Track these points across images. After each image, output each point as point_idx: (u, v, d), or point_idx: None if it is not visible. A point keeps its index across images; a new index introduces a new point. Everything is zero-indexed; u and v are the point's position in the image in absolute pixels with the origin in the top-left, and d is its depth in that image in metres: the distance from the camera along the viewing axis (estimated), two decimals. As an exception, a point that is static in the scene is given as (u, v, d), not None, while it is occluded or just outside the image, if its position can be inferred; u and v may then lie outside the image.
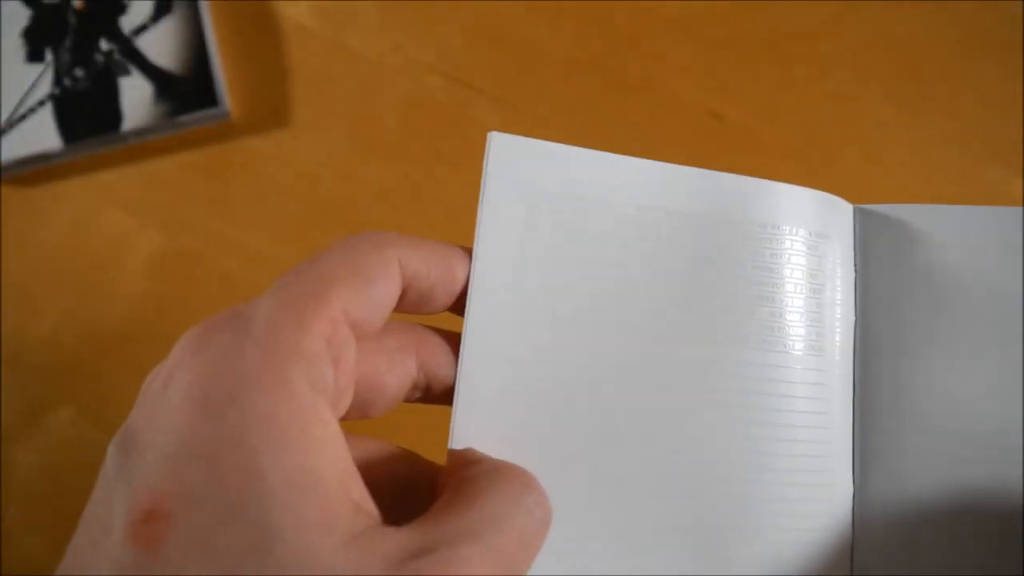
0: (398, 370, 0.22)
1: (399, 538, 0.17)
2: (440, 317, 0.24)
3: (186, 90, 0.50)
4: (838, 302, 0.26)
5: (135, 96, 0.50)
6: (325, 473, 0.17)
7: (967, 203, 0.51)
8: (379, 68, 0.51)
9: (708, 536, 0.23)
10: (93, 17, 0.51)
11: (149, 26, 0.51)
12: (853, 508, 0.25)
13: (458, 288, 0.23)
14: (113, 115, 0.49)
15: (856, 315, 0.27)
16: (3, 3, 0.51)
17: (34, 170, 0.50)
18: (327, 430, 0.18)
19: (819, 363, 0.25)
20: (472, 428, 0.22)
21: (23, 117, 0.49)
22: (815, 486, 0.25)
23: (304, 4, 0.53)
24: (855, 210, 0.27)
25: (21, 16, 0.51)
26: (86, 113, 0.49)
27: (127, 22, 0.51)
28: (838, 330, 0.26)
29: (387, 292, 0.20)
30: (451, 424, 0.22)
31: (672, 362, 0.24)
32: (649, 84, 0.51)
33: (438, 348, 0.23)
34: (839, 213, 0.27)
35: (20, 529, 0.44)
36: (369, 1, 0.53)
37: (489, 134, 0.24)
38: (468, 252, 0.23)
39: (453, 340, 0.23)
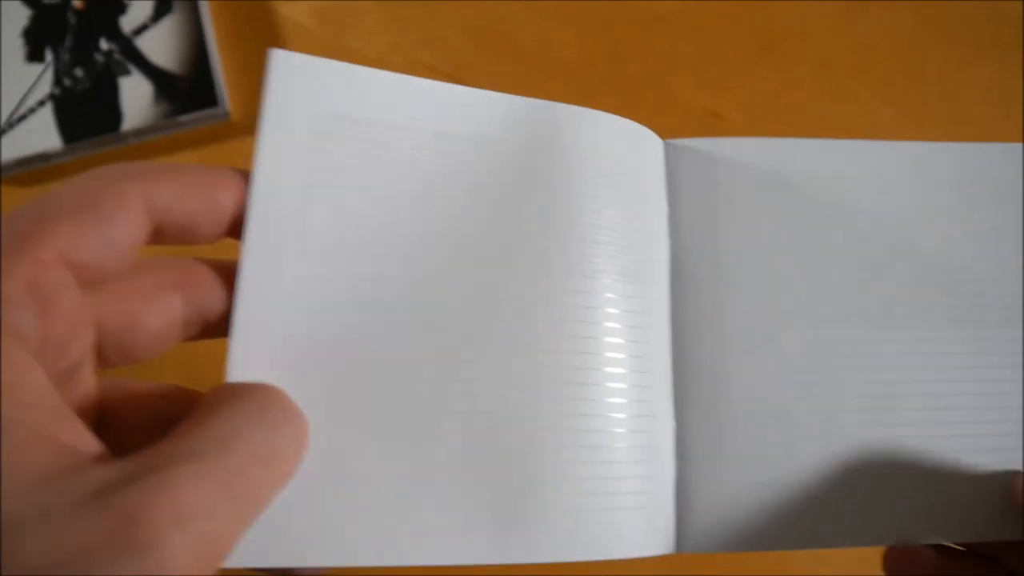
0: (160, 309, 0.20)
1: (104, 472, 0.16)
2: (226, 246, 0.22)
3: (186, 90, 0.50)
4: (654, 234, 0.26)
5: (135, 96, 0.50)
6: (14, 418, 0.16)
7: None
8: (379, 68, 0.51)
9: (508, 483, 0.22)
10: (93, 17, 0.51)
11: (149, 26, 0.51)
12: (676, 454, 0.25)
13: (225, 217, 0.21)
14: (113, 115, 0.49)
15: (669, 248, 0.26)
16: (3, 3, 0.51)
17: (34, 170, 0.50)
18: (23, 376, 0.17)
19: (636, 291, 0.24)
20: (250, 363, 0.20)
21: (23, 117, 0.49)
22: (637, 417, 0.24)
23: (304, 4, 0.53)
24: (665, 144, 0.27)
25: (21, 16, 0.51)
26: (86, 113, 0.49)
27: (127, 22, 0.51)
28: (655, 262, 0.26)
29: (125, 230, 0.19)
30: (227, 359, 0.20)
31: (474, 294, 0.22)
32: (649, 84, 0.51)
33: (209, 281, 0.21)
34: (651, 146, 0.27)
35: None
36: (369, 1, 0.52)
37: (270, 51, 0.22)
38: (240, 177, 0.21)
39: (230, 271, 0.21)
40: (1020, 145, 0.29)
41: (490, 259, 0.23)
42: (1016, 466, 0.25)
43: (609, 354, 0.23)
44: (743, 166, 0.27)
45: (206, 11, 0.51)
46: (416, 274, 0.22)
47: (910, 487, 0.25)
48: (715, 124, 0.50)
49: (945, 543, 0.27)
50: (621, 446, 0.23)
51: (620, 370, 0.23)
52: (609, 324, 0.24)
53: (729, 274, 0.26)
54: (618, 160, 0.25)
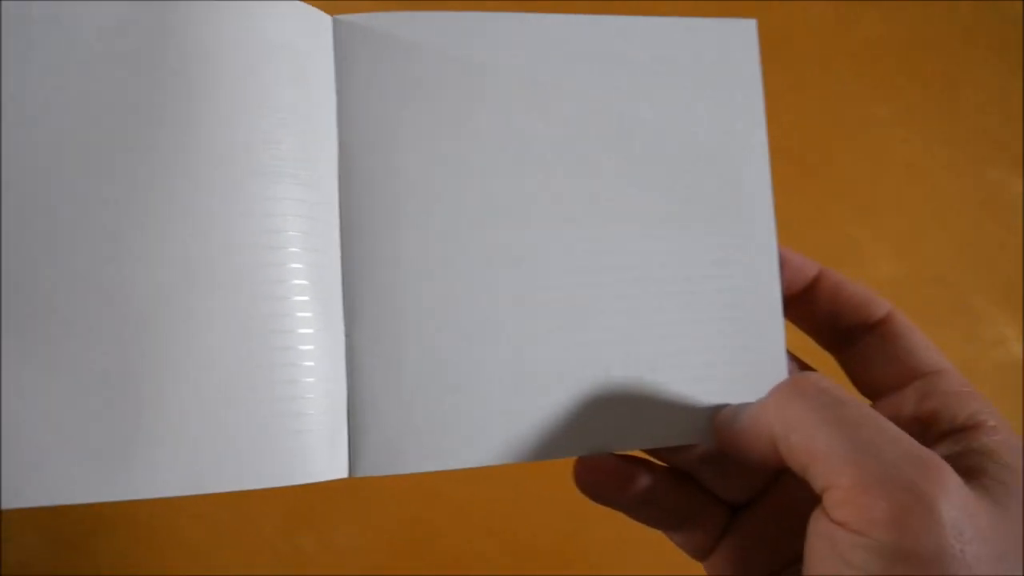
0: None
1: None
2: None
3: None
4: (318, 125, 0.23)
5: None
6: None
7: (967, 204, 0.51)
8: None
9: (133, 406, 0.20)
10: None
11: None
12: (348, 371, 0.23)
13: None
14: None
15: (338, 141, 0.23)
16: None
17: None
18: None
19: (293, 192, 0.22)
20: None
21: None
22: (290, 332, 0.21)
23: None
24: (334, 22, 0.24)
25: (21, 16, 0.51)
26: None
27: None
28: (319, 157, 0.23)
29: None
30: None
31: (91, 204, 0.20)
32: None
33: None
34: (312, 23, 0.23)
35: (20, 529, 0.44)
36: (369, 1, 0.52)
37: None
38: None
39: None
40: (742, 20, 0.26)
41: (113, 165, 0.20)
42: (712, 370, 0.24)
43: (262, 263, 0.21)
44: (426, 45, 0.24)
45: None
46: (29, 181, 0.20)
47: (605, 395, 0.24)
48: (715, 124, 0.50)
49: (640, 451, 0.25)
50: (270, 364, 0.21)
51: (274, 281, 0.21)
52: (257, 229, 0.21)
53: (406, 169, 0.23)
54: (264, 41, 0.22)
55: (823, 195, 0.48)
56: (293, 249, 0.21)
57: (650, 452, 0.26)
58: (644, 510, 0.26)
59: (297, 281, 0.21)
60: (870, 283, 0.27)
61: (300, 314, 0.21)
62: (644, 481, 0.25)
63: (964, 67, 0.51)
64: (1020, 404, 0.48)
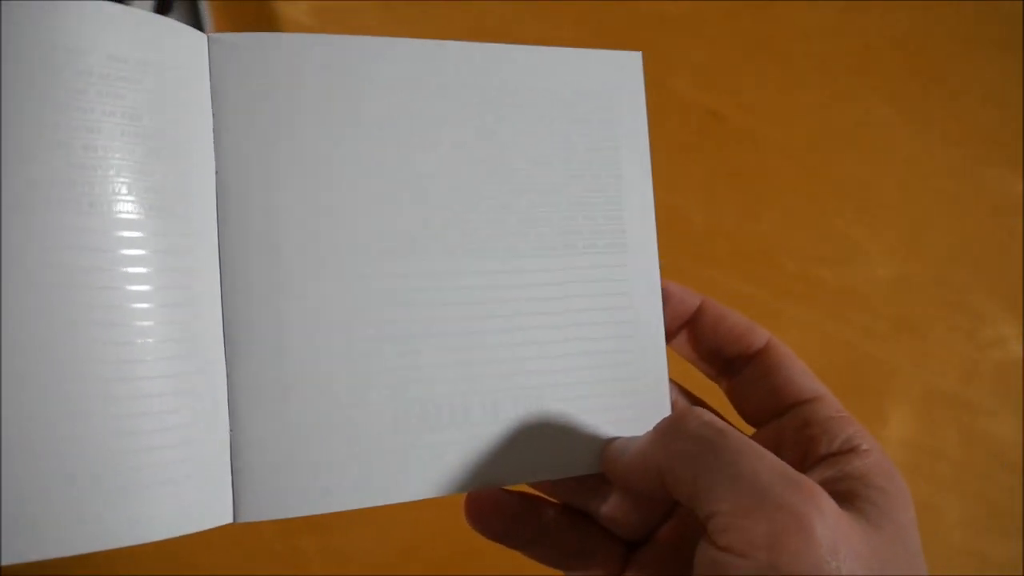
0: None
1: None
2: None
3: (186, 90, 0.49)
4: (189, 154, 0.21)
5: (135, 96, 0.49)
6: None
7: (966, 203, 0.51)
8: (379, 68, 0.51)
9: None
10: (92, 17, 0.51)
11: (149, 26, 0.51)
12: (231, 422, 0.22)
13: None
14: (113, 115, 0.49)
15: (216, 170, 0.22)
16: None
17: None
18: None
19: (165, 226, 0.20)
20: None
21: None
22: (167, 377, 0.20)
23: (304, 4, 0.53)
24: (209, 40, 0.22)
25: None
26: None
27: (127, 22, 0.51)
28: (191, 188, 0.21)
29: None
30: None
31: None
32: (649, 84, 0.51)
33: None
34: (185, 42, 0.22)
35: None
36: (369, 1, 0.53)
37: None
38: None
39: None
40: (629, 53, 0.26)
41: None
42: (598, 402, 0.25)
43: (130, 306, 0.20)
44: (307, 69, 0.23)
45: (206, 11, 0.51)
46: None
47: (494, 429, 0.24)
48: (715, 124, 0.50)
49: (530, 484, 0.25)
50: (129, 414, 0.20)
51: (146, 323, 0.20)
52: (126, 269, 0.20)
53: (287, 199, 0.22)
54: (127, 60, 0.20)
55: (823, 195, 0.48)
56: (161, 289, 0.20)
57: (543, 489, 0.26)
58: (539, 548, 0.26)
59: (166, 323, 0.20)
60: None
61: (167, 358, 0.20)
62: (538, 518, 0.26)
63: (964, 67, 0.51)
64: (1020, 404, 0.48)
